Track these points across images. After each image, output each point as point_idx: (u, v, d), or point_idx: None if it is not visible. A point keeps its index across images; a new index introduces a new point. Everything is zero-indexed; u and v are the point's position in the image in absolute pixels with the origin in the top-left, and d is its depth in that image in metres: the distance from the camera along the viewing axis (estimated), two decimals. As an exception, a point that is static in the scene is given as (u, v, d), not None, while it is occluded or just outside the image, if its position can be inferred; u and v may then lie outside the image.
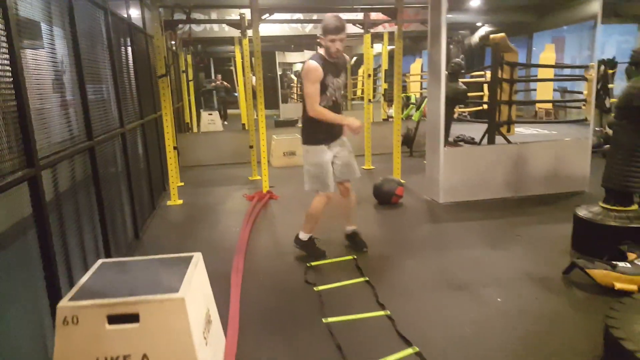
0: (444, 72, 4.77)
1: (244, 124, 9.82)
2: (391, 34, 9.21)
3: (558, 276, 3.09)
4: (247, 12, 5.82)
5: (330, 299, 2.83)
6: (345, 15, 7.66)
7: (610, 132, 7.74)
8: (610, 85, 8.62)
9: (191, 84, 10.29)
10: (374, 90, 10.80)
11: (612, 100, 8.81)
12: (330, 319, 2.56)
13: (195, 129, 10.27)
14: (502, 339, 2.40)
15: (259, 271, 3.32)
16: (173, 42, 7.19)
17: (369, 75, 6.99)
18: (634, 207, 3.46)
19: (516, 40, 11.91)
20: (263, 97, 5.31)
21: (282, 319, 2.65)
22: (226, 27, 7.96)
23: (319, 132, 3.20)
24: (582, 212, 3.58)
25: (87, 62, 2.86)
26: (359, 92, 13.95)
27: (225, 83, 13.12)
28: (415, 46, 14.09)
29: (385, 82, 10.12)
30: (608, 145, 7.31)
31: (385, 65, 10.05)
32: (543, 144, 5.38)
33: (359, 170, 3.46)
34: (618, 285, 2.81)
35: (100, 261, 2.01)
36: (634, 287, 2.77)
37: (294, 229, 4.11)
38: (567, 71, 9.97)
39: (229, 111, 13.65)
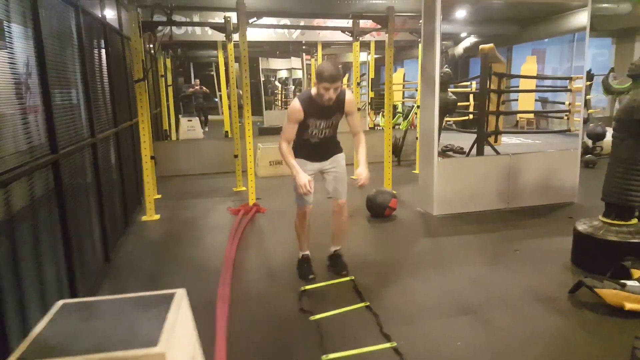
0: (437, 82, 4.60)
1: (227, 132, 9.47)
2: (378, 42, 9.07)
3: (564, 295, 2.94)
4: (232, 16, 5.54)
5: (329, 329, 2.55)
6: (334, 22, 7.58)
7: (589, 142, 7.82)
8: (587, 97, 8.71)
9: (170, 89, 9.89)
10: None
11: (590, 111, 8.90)
12: (331, 356, 2.28)
13: (174, 137, 9.85)
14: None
15: (248, 298, 3.01)
16: (151, 45, 6.82)
17: (358, 84, 6.79)
18: (634, 221, 3.35)
19: (497, 51, 12.00)
20: (250, 103, 5.02)
21: (276, 356, 2.35)
22: (209, 31, 7.64)
23: (300, 149, 3.07)
24: (582, 227, 3.46)
25: (52, 64, 2.53)
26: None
27: (204, 88, 12.72)
28: (397, 56, 14.02)
29: (371, 90, 9.95)
30: (589, 155, 7.41)
31: (372, 74, 9.89)
32: (533, 155, 5.28)
33: (346, 192, 3.24)
34: (628, 306, 2.69)
35: (60, 302, 1.68)
36: (644, 308, 2.65)
37: (284, 246, 3.84)
38: (548, 82, 10.04)
39: (210, 117, 13.24)
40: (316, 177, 3.12)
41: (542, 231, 4.26)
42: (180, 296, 1.71)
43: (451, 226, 4.45)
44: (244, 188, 5.97)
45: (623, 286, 2.76)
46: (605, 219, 3.41)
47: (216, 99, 14.26)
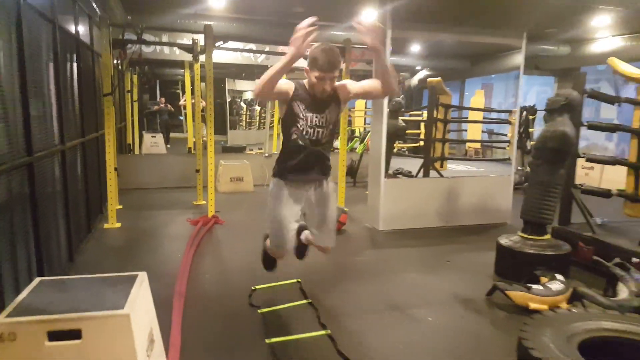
0: (386, 110, 5.13)
1: (189, 148, 9.69)
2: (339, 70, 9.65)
3: (481, 298, 3.39)
4: (200, 38, 5.91)
5: (273, 320, 2.88)
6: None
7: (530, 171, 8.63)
8: (531, 130, 9.64)
9: (135, 104, 10.05)
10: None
11: (532, 142, 9.84)
12: (273, 339, 2.61)
13: (137, 151, 9.97)
14: (432, 354, 2.59)
15: (203, 296, 3.29)
16: (119, 61, 7.06)
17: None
18: (547, 236, 3.90)
19: (450, 84, 13.05)
20: (213, 120, 5.36)
21: (226, 341, 2.65)
22: (177, 50, 7.96)
23: (285, 159, 2.54)
24: (504, 241, 3.97)
25: (31, 74, 2.80)
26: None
27: (169, 106, 12.91)
28: (360, 82, 14.72)
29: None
30: (527, 183, 8.16)
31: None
32: (471, 179, 5.89)
33: (334, 238, 2.72)
34: (532, 305, 3.15)
35: (38, 279, 1.94)
36: (545, 307, 3.11)
37: (240, 254, 4.14)
38: (494, 115, 10.97)
39: (172, 134, 13.37)
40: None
41: (474, 247, 4.77)
42: (142, 277, 2.02)
43: (394, 240, 4.90)
44: (204, 202, 6.22)
45: (529, 289, 3.25)
46: (523, 234, 3.93)
47: (181, 117, 14.41)
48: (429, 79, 6.89)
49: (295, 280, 3.54)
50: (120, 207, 5.92)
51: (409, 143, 9.47)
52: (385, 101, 5.11)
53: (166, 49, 8.30)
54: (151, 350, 1.88)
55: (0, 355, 1.53)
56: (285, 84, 2.41)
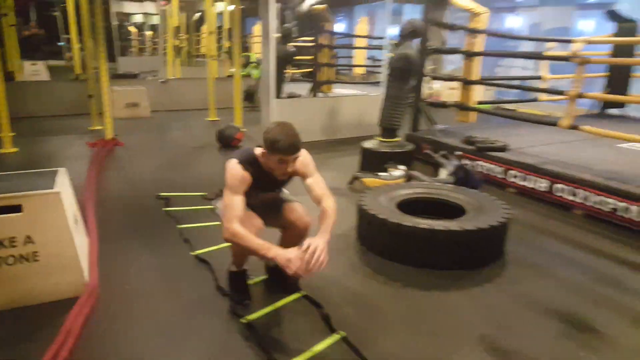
0: (273, 36, 5.67)
1: (77, 75, 9.30)
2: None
3: (345, 185, 4.42)
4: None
5: (181, 218, 3.53)
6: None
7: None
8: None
9: (13, 29, 9.20)
10: (219, 48, 11.22)
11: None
12: (180, 226, 3.29)
13: (18, 78, 9.31)
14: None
15: (111, 198, 3.85)
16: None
17: (211, 33, 7.48)
18: (397, 138, 4.99)
19: (340, 11, 13.67)
20: (105, 45, 5.44)
21: (134, 227, 3.30)
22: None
23: None
24: (366, 144, 4.99)
25: None
26: (202, 50, 14.05)
27: (40, 31, 11.80)
28: (258, 8, 14.64)
29: (228, 41, 10.60)
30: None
31: (227, 24, 10.49)
32: (350, 98, 6.84)
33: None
34: (376, 185, 4.18)
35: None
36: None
37: (143, 168, 4.63)
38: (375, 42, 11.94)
39: (52, 62, 12.31)
40: None
41: (348, 152, 5.76)
42: (62, 171, 2.53)
43: (283, 151, 5.72)
44: (100, 127, 6.39)
45: (377, 176, 4.34)
46: (379, 138, 4.98)
47: (61, 43, 13.24)
48: (314, 6, 7.44)
49: (203, 193, 4.12)
50: (14, 134, 5.89)
51: (302, 68, 10.09)
52: (273, 27, 5.63)
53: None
54: (77, 227, 2.47)
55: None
56: (243, 184, 2.12)
